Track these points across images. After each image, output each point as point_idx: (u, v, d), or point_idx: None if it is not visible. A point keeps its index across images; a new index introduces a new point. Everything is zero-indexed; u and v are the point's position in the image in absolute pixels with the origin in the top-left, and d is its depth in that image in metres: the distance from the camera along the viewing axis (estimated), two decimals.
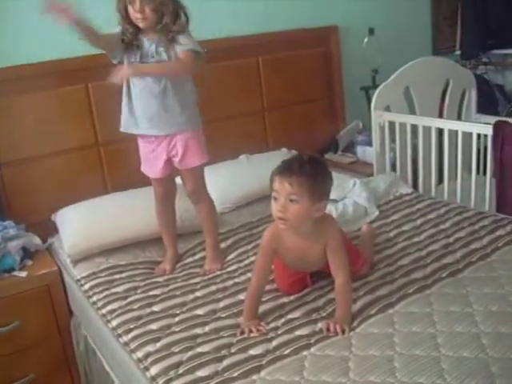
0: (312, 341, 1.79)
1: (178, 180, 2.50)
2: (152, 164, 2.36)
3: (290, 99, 3.52)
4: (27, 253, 2.60)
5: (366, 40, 3.68)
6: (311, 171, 1.83)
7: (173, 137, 2.29)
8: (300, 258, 2.00)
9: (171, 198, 2.49)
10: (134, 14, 2.11)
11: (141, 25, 2.13)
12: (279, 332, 1.86)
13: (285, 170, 1.84)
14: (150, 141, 2.32)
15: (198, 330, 1.92)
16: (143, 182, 2.51)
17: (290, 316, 1.95)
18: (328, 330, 1.81)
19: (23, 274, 2.47)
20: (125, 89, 2.25)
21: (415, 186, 3.26)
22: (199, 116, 2.35)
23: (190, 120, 2.28)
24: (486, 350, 1.65)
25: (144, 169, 2.41)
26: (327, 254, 1.95)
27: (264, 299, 2.03)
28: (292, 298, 2.07)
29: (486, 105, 3.87)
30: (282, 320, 1.93)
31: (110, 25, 2.19)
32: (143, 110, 2.25)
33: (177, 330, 1.94)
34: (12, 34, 2.70)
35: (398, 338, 1.76)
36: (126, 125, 2.31)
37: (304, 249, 1.97)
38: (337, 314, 1.87)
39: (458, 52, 4.28)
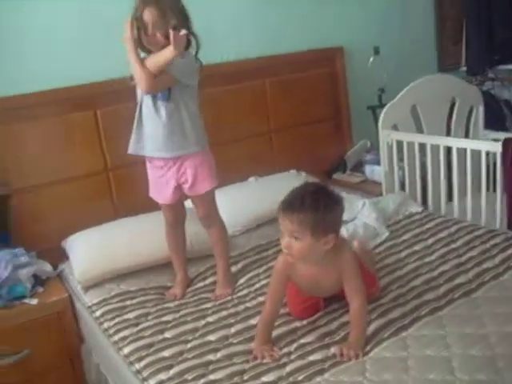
0: (325, 366, 1.77)
1: (188, 203, 2.50)
2: (161, 190, 2.36)
3: (297, 120, 3.53)
4: (38, 280, 2.61)
5: (371, 59, 3.70)
6: (312, 207, 1.78)
7: (182, 162, 2.28)
8: (315, 283, 1.99)
9: (181, 222, 2.49)
10: (146, 38, 2.12)
11: (153, 49, 2.14)
12: (292, 357, 1.84)
13: (286, 207, 1.82)
14: (158, 166, 2.32)
15: (211, 357, 1.91)
16: (153, 206, 2.51)
17: (302, 341, 1.93)
18: (341, 354, 1.79)
19: (34, 301, 2.47)
20: (137, 110, 2.27)
21: (425, 203, 3.25)
22: (206, 138, 2.34)
23: (197, 142, 2.28)
24: (501, 373, 1.63)
25: (153, 194, 2.41)
26: (343, 280, 1.93)
27: (276, 323, 2.01)
28: (304, 322, 2.05)
29: (494, 120, 3.86)
30: (295, 345, 1.91)
31: None
32: (150, 132, 2.25)
33: (189, 356, 1.93)
34: (19, 62, 2.73)
35: (412, 361, 1.74)
36: (133, 147, 2.31)
37: (318, 276, 1.96)
38: (350, 339, 1.85)
39: (464, 68, 4.28)
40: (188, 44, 2.16)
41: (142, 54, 2.18)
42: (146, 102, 2.23)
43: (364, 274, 2.01)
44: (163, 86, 2.16)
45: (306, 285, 2.01)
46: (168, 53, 2.05)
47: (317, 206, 1.79)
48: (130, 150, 2.32)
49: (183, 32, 2.02)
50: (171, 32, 1.99)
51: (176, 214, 2.44)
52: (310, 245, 1.81)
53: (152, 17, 2.08)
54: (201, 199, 2.37)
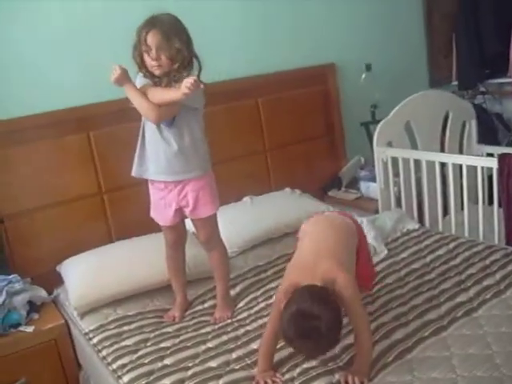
0: None
1: (188, 226, 2.47)
2: (162, 212, 2.33)
3: (291, 138, 3.52)
4: (33, 306, 2.56)
5: (363, 76, 3.70)
6: (316, 349, 1.79)
7: (184, 186, 2.26)
8: None
9: (182, 244, 2.45)
10: (150, 61, 2.10)
11: (156, 72, 2.12)
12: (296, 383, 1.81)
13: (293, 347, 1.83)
14: (160, 187, 2.30)
15: None
16: (148, 228, 2.49)
17: (305, 365, 1.89)
18: (346, 382, 1.75)
19: (30, 328, 2.43)
20: (140, 133, 2.25)
21: (421, 218, 3.25)
22: (210, 161, 2.32)
23: (199, 167, 2.25)
24: None
25: (154, 215, 2.38)
26: (346, 312, 1.89)
27: (278, 346, 1.96)
28: None
29: (486, 134, 3.87)
30: (298, 370, 1.88)
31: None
32: (153, 155, 2.23)
33: None
34: (11, 85, 2.69)
35: None
36: (136, 170, 2.29)
37: None
38: (355, 365, 1.81)
39: (456, 83, 4.29)
40: (191, 65, 2.14)
41: (138, 81, 2.16)
42: (148, 126, 2.21)
43: (362, 276, 2.04)
44: (171, 114, 2.14)
45: None
46: (177, 95, 2.02)
47: (318, 346, 1.76)
48: (134, 173, 2.30)
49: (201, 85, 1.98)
50: (191, 78, 1.96)
51: (177, 236, 2.40)
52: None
53: (156, 40, 2.06)
54: (202, 223, 2.34)
